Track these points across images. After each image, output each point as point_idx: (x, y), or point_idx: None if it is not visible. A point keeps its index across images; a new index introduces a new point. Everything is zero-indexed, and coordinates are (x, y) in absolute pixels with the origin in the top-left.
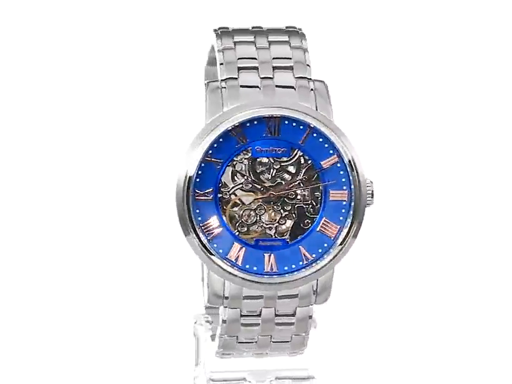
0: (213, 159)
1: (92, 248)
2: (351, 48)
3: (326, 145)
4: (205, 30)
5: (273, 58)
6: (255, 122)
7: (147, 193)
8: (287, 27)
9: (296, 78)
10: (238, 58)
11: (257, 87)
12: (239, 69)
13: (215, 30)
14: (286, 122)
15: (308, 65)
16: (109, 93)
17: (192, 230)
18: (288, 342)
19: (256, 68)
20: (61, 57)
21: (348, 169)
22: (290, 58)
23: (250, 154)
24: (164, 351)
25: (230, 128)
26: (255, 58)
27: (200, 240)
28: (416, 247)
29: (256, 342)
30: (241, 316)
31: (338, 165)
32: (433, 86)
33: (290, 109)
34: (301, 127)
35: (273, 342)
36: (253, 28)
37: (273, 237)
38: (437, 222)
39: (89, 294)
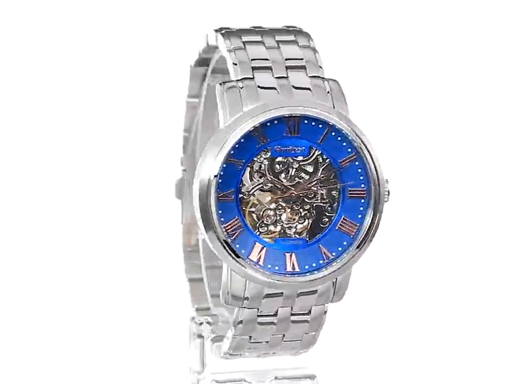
0: (234, 160)
1: (88, 248)
2: (344, 47)
3: (344, 144)
4: (185, 32)
5: (285, 58)
6: (275, 122)
7: (143, 193)
8: (287, 26)
9: (309, 77)
10: (251, 59)
11: (274, 87)
12: (253, 68)
13: (218, 30)
14: (306, 121)
15: (320, 66)
16: (90, 93)
17: (215, 230)
18: (299, 340)
19: (269, 68)
20: (54, 57)
21: (367, 167)
22: (302, 58)
23: (269, 154)
24: (158, 352)
25: (252, 128)
26: (267, 59)
27: (225, 241)
28: (415, 247)
29: (267, 341)
30: (258, 315)
31: (357, 163)
32: (432, 82)
33: (311, 108)
34: (320, 126)
35: (284, 341)
36: (255, 27)
37: (293, 236)
38: (442, 221)
39: (85, 294)
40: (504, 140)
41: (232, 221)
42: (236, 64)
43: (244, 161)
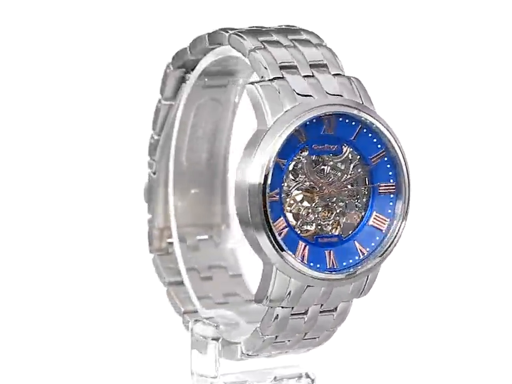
0: (279, 159)
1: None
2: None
3: (375, 140)
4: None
5: (307, 57)
6: (314, 120)
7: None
8: (288, 26)
9: (333, 75)
10: (277, 58)
11: (307, 86)
12: (281, 68)
13: (225, 31)
14: (340, 119)
15: (340, 64)
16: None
17: (268, 231)
18: (317, 338)
19: (295, 67)
20: (49, 58)
21: (396, 162)
22: (322, 57)
23: (307, 153)
24: (152, 357)
25: (298, 128)
26: (292, 58)
27: (276, 241)
28: (414, 247)
29: (289, 340)
30: (291, 314)
31: (385, 158)
32: (432, 83)
33: (347, 105)
34: (353, 123)
35: (304, 339)
36: (259, 27)
37: (330, 233)
38: (441, 220)
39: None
40: None
41: (278, 221)
42: (262, 64)
43: (286, 160)
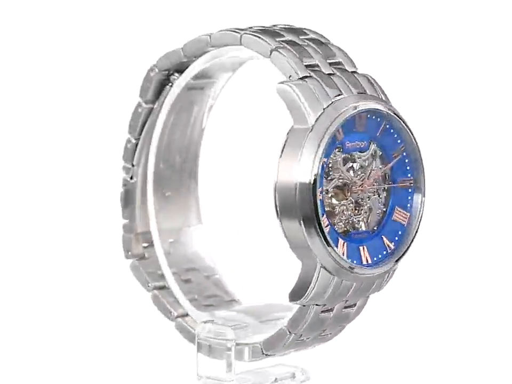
0: (323, 159)
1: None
2: None
3: (395, 136)
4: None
5: (324, 55)
6: (349, 118)
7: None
8: (288, 25)
9: (351, 72)
10: (300, 57)
11: (336, 84)
12: (307, 66)
13: (234, 31)
14: (368, 116)
15: (353, 62)
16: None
17: (319, 229)
18: (330, 334)
19: (318, 66)
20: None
21: (414, 157)
22: (336, 55)
23: (341, 151)
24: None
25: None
26: (313, 57)
27: (325, 238)
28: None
29: (308, 338)
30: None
31: (404, 154)
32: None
33: (375, 102)
34: (379, 119)
35: (320, 336)
36: (263, 27)
37: (360, 229)
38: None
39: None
40: None
41: (323, 218)
42: (290, 63)
43: (326, 159)
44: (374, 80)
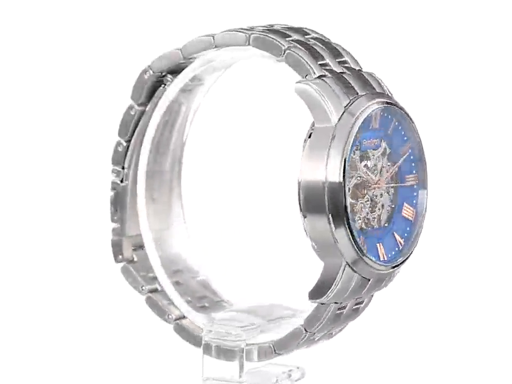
0: None
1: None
2: None
3: (403, 133)
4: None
5: (332, 54)
6: (368, 117)
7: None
8: (285, 25)
9: (357, 71)
10: (313, 56)
11: (350, 83)
12: (321, 66)
13: (240, 31)
14: (381, 113)
15: (356, 59)
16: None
17: (348, 227)
18: (333, 332)
19: (329, 65)
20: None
21: (417, 154)
22: (341, 53)
23: (359, 149)
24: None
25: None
26: (323, 56)
27: (353, 237)
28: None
29: (319, 337)
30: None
31: (410, 150)
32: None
33: (390, 100)
34: (389, 116)
35: (328, 333)
36: (267, 27)
37: (374, 227)
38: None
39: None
40: None
41: (350, 216)
42: (307, 63)
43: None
44: (379, 78)
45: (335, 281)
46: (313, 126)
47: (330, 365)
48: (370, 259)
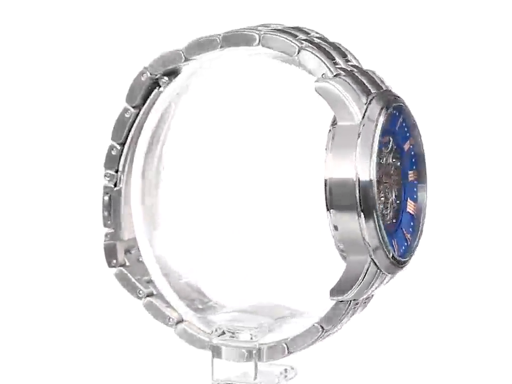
0: None
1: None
2: None
3: (406, 129)
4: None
5: (337, 53)
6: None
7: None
8: (289, 26)
9: (362, 69)
10: (327, 56)
11: (362, 80)
12: (334, 64)
13: (253, 31)
14: (390, 110)
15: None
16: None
17: (378, 224)
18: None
19: (340, 63)
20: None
21: (418, 150)
22: (343, 51)
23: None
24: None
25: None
26: (333, 55)
27: (381, 233)
28: None
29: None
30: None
31: (411, 147)
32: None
33: (400, 97)
34: (397, 113)
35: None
36: (272, 28)
37: (388, 222)
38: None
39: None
40: None
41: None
42: (322, 61)
43: None
44: (381, 76)
45: (359, 278)
46: (334, 124)
47: (324, 364)
48: (393, 254)
